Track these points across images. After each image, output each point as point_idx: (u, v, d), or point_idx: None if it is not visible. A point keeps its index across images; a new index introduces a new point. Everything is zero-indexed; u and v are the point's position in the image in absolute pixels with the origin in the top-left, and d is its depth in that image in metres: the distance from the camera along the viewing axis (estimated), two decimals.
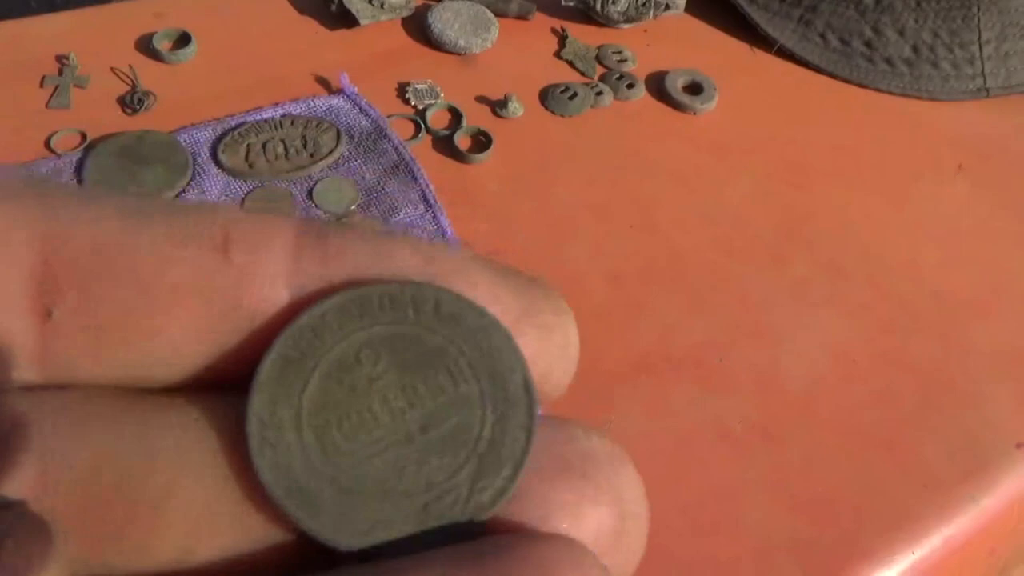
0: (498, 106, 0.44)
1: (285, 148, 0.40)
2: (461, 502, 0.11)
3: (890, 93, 0.50)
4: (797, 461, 0.34)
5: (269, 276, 0.11)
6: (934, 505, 0.34)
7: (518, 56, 0.48)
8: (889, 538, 0.33)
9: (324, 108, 0.43)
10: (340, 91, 0.44)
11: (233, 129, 0.41)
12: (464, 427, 0.12)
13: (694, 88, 0.47)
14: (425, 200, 0.39)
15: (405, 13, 0.48)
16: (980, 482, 0.35)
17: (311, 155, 0.40)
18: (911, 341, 0.39)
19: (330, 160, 0.40)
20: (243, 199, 0.39)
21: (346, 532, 0.11)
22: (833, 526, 0.33)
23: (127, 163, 0.38)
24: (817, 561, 0.32)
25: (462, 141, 0.43)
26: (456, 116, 0.44)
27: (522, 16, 0.50)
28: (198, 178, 0.39)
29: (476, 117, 0.44)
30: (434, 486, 0.11)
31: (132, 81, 0.42)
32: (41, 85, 0.42)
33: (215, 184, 0.39)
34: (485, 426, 0.12)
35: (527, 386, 0.12)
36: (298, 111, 0.42)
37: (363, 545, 0.11)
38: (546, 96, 0.46)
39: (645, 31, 0.51)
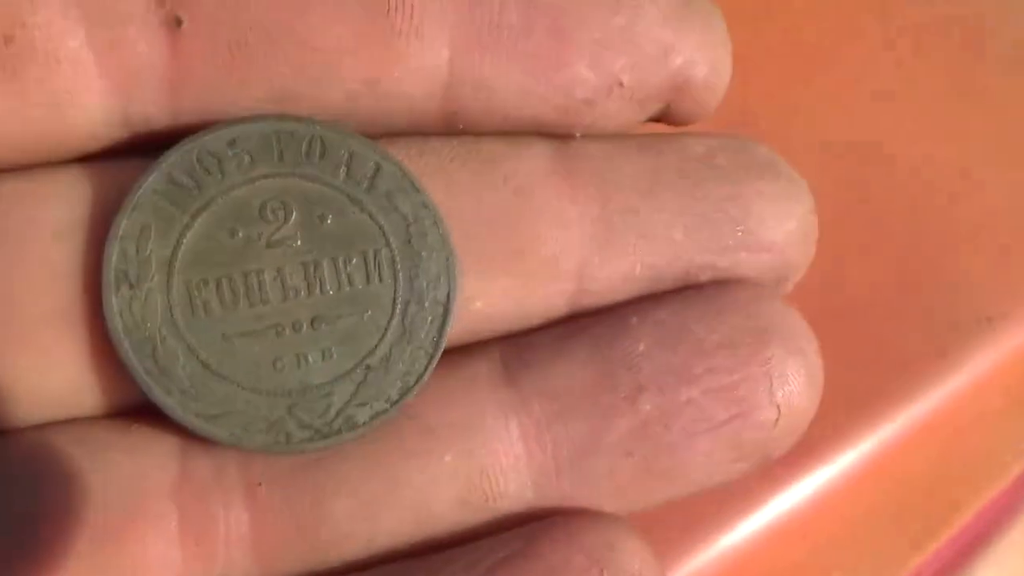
0: None
1: None
2: (331, 413, 0.10)
3: None
4: None
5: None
6: (902, 382, 0.34)
7: None
8: (858, 415, 0.33)
9: None
10: None
11: None
12: (362, 331, 0.10)
13: None
14: None
15: None
16: (950, 358, 0.35)
17: None
18: (884, 222, 0.38)
19: None
20: None
21: (190, 408, 0.09)
22: None
23: None
24: None
25: None
26: None
27: None
28: None
29: None
30: (307, 389, 0.10)
31: None
32: None
33: None
34: (386, 337, 0.10)
35: (447, 304, 0.10)
36: None
37: (201, 429, 0.10)
38: None
39: None
